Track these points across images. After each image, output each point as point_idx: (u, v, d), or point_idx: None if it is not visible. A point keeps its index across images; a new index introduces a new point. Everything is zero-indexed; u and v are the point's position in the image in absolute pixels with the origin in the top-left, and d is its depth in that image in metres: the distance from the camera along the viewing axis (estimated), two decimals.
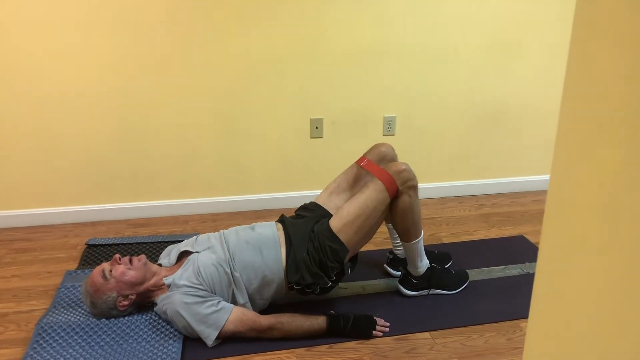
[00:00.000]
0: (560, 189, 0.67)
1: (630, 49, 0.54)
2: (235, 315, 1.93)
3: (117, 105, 2.75)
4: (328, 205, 2.22)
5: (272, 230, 2.09)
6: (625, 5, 0.54)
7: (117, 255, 2.02)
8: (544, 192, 3.25)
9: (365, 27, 2.84)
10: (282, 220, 2.17)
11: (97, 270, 2.01)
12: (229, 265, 1.99)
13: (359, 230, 2.03)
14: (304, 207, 2.25)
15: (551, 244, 0.69)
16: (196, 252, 2.05)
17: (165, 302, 1.96)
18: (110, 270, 1.99)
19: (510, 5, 2.94)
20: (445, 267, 2.44)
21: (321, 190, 2.30)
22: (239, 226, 2.16)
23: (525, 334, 0.77)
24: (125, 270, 1.99)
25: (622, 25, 0.55)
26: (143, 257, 2.05)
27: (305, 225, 2.10)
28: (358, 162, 2.26)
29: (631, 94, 0.54)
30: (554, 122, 3.08)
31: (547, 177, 3.25)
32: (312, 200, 2.27)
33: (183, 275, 1.96)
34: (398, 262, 2.39)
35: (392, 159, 2.27)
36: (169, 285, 1.99)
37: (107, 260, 2.45)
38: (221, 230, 2.15)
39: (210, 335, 1.91)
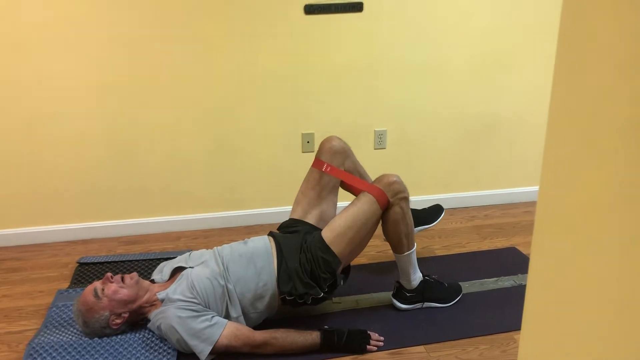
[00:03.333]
0: (549, 201, 0.67)
1: (613, 65, 0.56)
2: (229, 330, 1.92)
3: (108, 123, 2.75)
4: (308, 219, 2.23)
5: (264, 243, 2.10)
6: (609, 21, 0.56)
7: (109, 274, 2.01)
8: (535, 203, 3.26)
9: (355, 41, 2.87)
10: (272, 234, 2.17)
11: (89, 289, 1.99)
12: (223, 277, 1.99)
13: (351, 242, 2.04)
14: (287, 225, 2.25)
15: (541, 255, 0.70)
16: (190, 267, 2.04)
17: (159, 316, 1.95)
18: (103, 289, 1.97)
19: (501, 19, 2.98)
20: (438, 219, 2.48)
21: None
22: (232, 242, 2.17)
23: (519, 346, 0.77)
24: (117, 288, 1.97)
25: (606, 40, 0.56)
26: (135, 274, 2.04)
27: (296, 237, 2.11)
28: (317, 166, 2.26)
29: (616, 108, 0.56)
30: (544, 133, 3.10)
31: (537, 188, 3.27)
32: (291, 217, 2.27)
33: (177, 290, 1.96)
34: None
35: (344, 150, 2.27)
36: (162, 300, 1.98)
37: (99, 278, 2.43)
38: (215, 247, 2.15)
39: (203, 350, 1.90)
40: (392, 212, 2.07)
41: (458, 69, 3.03)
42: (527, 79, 3.12)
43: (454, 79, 3.05)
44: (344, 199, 2.29)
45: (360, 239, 2.07)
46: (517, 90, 3.14)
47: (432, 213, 2.51)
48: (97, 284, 2.00)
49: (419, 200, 3.17)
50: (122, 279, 2.01)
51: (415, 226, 2.35)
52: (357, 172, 2.32)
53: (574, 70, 0.61)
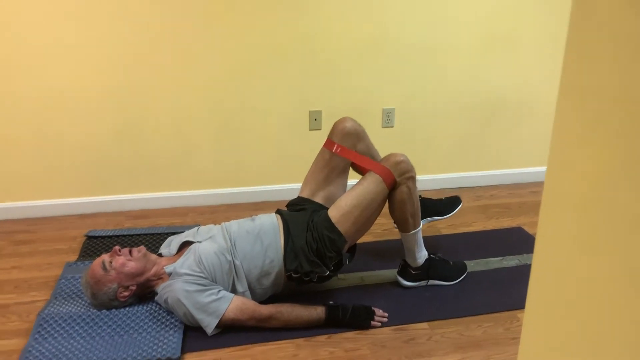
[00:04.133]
0: (556, 180, 0.68)
1: (627, 43, 0.55)
2: (235, 304, 1.95)
3: (116, 98, 2.75)
4: (317, 198, 2.23)
5: (271, 220, 2.11)
6: (622, 2, 0.55)
7: (117, 247, 2.04)
8: (542, 183, 3.26)
9: (363, 20, 2.84)
10: (279, 212, 2.18)
11: (97, 262, 2.02)
12: (230, 253, 2.01)
13: (357, 221, 2.04)
14: (295, 202, 2.26)
15: (547, 235, 0.70)
16: (197, 241, 2.06)
17: (166, 290, 1.98)
18: (110, 262, 2.00)
19: None
20: (455, 211, 2.43)
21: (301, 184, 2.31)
22: (240, 219, 2.18)
23: (522, 324, 0.78)
24: (125, 261, 2.00)
25: (619, 18, 0.56)
26: (142, 248, 2.06)
27: (303, 215, 2.12)
28: (328, 147, 2.23)
29: (627, 88, 0.55)
30: (552, 113, 3.08)
31: (545, 168, 3.26)
32: (299, 196, 2.27)
33: (184, 264, 1.98)
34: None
35: (357, 131, 2.24)
36: (170, 274, 2.01)
37: (106, 251, 2.46)
38: (222, 223, 2.16)
39: (210, 324, 1.93)
40: (398, 192, 2.08)
41: (466, 48, 3.01)
42: (534, 59, 3.09)
43: (462, 58, 3.02)
44: (354, 179, 2.29)
45: (366, 218, 2.07)
46: (524, 70, 3.11)
47: (449, 205, 2.45)
48: (105, 257, 2.02)
49: (426, 179, 3.18)
50: (130, 252, 2.03)
51: (429, 216, 2.35)
52: (370, 155, 2.27)
53: (585, 48, 0.61)
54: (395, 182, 2.06)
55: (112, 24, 2.63)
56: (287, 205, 2.28)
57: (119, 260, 2.00)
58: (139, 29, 2.66)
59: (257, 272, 2.03)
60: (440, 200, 2.47)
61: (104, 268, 1.99)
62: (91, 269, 2.02)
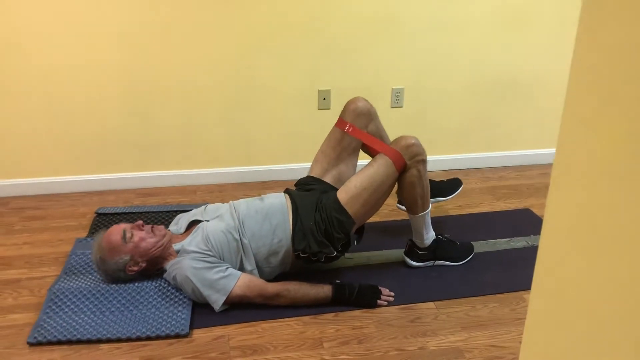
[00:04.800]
0: (565, 162, 0.67)
1: (637, 21, 0.54)
2: (242, 281, 1.96)
3: (125, 75, 2.75)
4: (326, 178, 2.23)
5: (280, 200, 2.11)
6: None
7: (141, 222, 2.03)
8: (551, 165, 3.24)
9: None
10: (288, 192, 2.19)
11: (117, 229, 2.01)
12: (239, 232, 2.02)
13: (366, 203, 2.05)
14: (304, 182, 2.26)
15: (555, 216, 0.70)
16: (205, 220, 2.08)
17: (175, 267, 1.99)
18: (132, 235, 2.00)
19: None
20: (456, 193, 2.46)
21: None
22: (249, 198, 2.19)
23: (528, 305, 0.79)
24: (145, 237, 2.00)
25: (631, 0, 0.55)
26: (162, 227, 2.07)
27: (312, 196, 2.12)
28: (340, 126, 2.23)
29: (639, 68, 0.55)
30: (563, 94, 3.05)
31: (554, 150, 3.24)
32: (308, 175, 2.27)
33: (192, 242, 1.99)
34: None
35: (369, 112, 2.23)
36: (178, 251, 2.02)
37: None
38: (231, 201, 2.17)
39: (218, 300, 1.95)
40: (408, 175, 2.07)
41: (476, 27, 2.97)
42: (545, 38, 3.05)
43: (472, 37, 2.99)
44: (364, 159, 2.28)
45: (375, 201, 2.07)
46: (535, 50, 3.07)
47: (450, 187, 2.47)
48: (127, 227, 2.02)
49: (434, 159, 3.17)
50: (152, 229, 2.04)
51: (431, 197, 2.34)
52: (380, 136, 2.27)
53: (597, 28, 0.60)
54: (406, 165, 2.06)
55: (123, 2, 2.61)
56: (296, 185, 2.28)
57: (140, 234, 2.00)
58: (149, 6, 2.64)
59: (265, 251, 2.04)
60: (442, 181, 2.48)
61: (124, 237, 1.99)
62: (108, 234, 2.01)
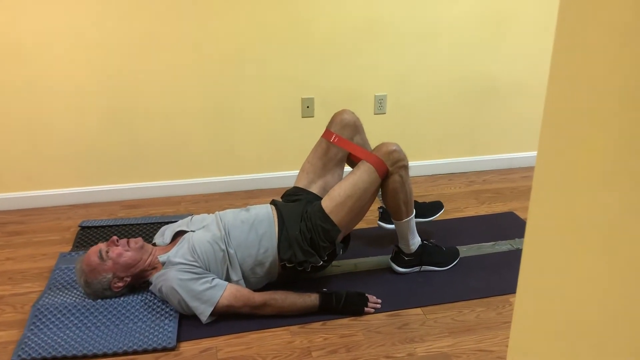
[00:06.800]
0: (546, 166, 0.68)
1: (614, 31, 0.56)
2: (229, 291, 1.96)
3: (107, 86, 2.74)
4: (312, 189, 2.24)
5: (266, 210, 2.12)
6: None
7: (115, 237, 2.03)
8: (533, 168, 3.28)
9: (355, 4, 2.83)
10: (274, 202, 2.19)
11: (94, 250, 2.01)
12: (224, 242, 2.01)
13: (350, 211, 2.06)
14: (291, 193, 2.27)
15: (538, 220, 0.71)
16: (191, 231, 2.07)
17: (160, 279, 1.98)
18: (107, 252, 1.99)
19: None
20: (437, 215, 2.50)
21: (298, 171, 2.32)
22: (235, 209, 2.18)
23: (513, 308, 0.79)
24: (122, 251, 2.00)
25: (606, 6, 0.56)
26: (140, 239, 2.06)
27: (298, 206, 2.13)
28: (326, 137, 2.26)
29: (617, 76, 0.56)
30: (543, 99, 3.09)
31: (536, 153, 3.28)
32: (295, 186, 2.28)
33: (178, 253, 1.98)
34: (388, 214, 2.42)
35: (355, 124, 2.28)
36: (163, 263, 2.01)
37: (101, 241, 2.46)
38: (217, 212, 2.16)
39: (205, 311, 1.94)
40: (391, 181, 2.09)
41: (458, 34, 3.00)
42: (526, 44, 3.09)
43: (454, 43, 3.02)
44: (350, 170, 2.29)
45: (359, 208, 2.08)
46: (516, 55, 3.11)
47: (431, 208, 2.51)
48: (102, 246, 2.02)
49: (418, 165, 3.19)
50: (128, 243, 2.03)
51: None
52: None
53: (575, 35, 0.61)
54: (388, 171, 2.07)
55: (102, 12, 2.60)
56: (282, 196, 2.29)
57: (116, 250, 2.00)
58: (131, 17, 2.64)
59: (252, 261, 2.03)
60: (424, 203, 2.53)
61: (101, 257, 1.98)
62: (87, 256, 2.02)
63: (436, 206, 2.54)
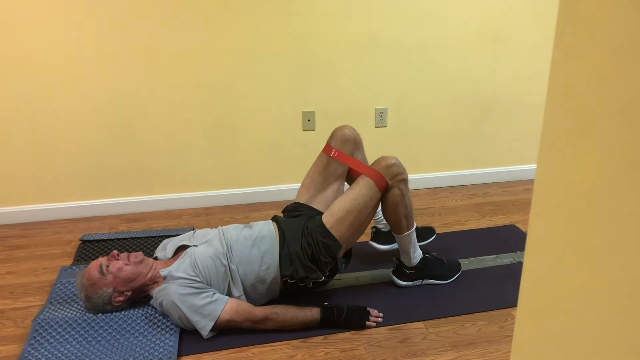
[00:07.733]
0: (546, 178, 0.68)
1: (612, 45, 0.56)
2: (230, 306, 1.95)
3: (109, 100, 2.75)
4: (313, 204, 2.24)
5: (268, 227, 2.12)
6: (608, 1, 0.56)
7: (115, 252, 2.03)
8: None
9: (355, 19, 2.85)
10: (275, 219, 2.19)
11: (94, 264, 2.01)
12: (227, 257, 2.01)
13: (351, 226, 2.05)
14: (291, 208, 2.27)
15: (538, 233, 0.71)
16: (193, 245, 2.06)
17: (161, 293, 1.98)
18: (108, 266, 1.99)
19: None
20: (427, 241, 2.47)
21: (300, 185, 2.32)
22: (237, 224, 2.19)
23: (515, 322, 0.79)
24: (122, 266, 2.00)
25: (605, 20, 0.57)
26: (140, 253, 2.06)
27: (299, 222, 2.13)
28: (326, 152, 2.26)
29: (615, 88, 0.56)
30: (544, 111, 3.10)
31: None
32: (295, 201, 2.28)
33: (180, 267, 1.98)
34: (382, 235, 2.41)
35: (355, 139, 2.27)
36: (165, 277, 2.01)
37: (101, 255, 2.46)
38: (219, 227, 2.16)
39: (205, 326, 1.93)
40: (391, 195, 2.09)
41: (458, 47, 3.02)
42: (526, 57, 3.11)
43: (454, 56, 3.04)
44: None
45: (360, 223, 2.08)
46: (516, 68, 3.13)
47: (423, 233, 2.49)
48: (103, 260, 2.02)
49: (419, 178, 3.19)
50: (128, 257, 2.03)
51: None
52: None
53: (573, 50, 0.61)
54: (387, 185, 2.07)
55: (106, 26, 2.62)
56: (284, 211, 2.29)
57: (117, 264, 2.00)
58: (132, 32, 2.66)
59: (253, 277, 2.03)
60: (416, 227, 2.49)
61: (101, 271, 1.98)
62: (87, 270, 2.02)
63: (427, 232, 2.52)
